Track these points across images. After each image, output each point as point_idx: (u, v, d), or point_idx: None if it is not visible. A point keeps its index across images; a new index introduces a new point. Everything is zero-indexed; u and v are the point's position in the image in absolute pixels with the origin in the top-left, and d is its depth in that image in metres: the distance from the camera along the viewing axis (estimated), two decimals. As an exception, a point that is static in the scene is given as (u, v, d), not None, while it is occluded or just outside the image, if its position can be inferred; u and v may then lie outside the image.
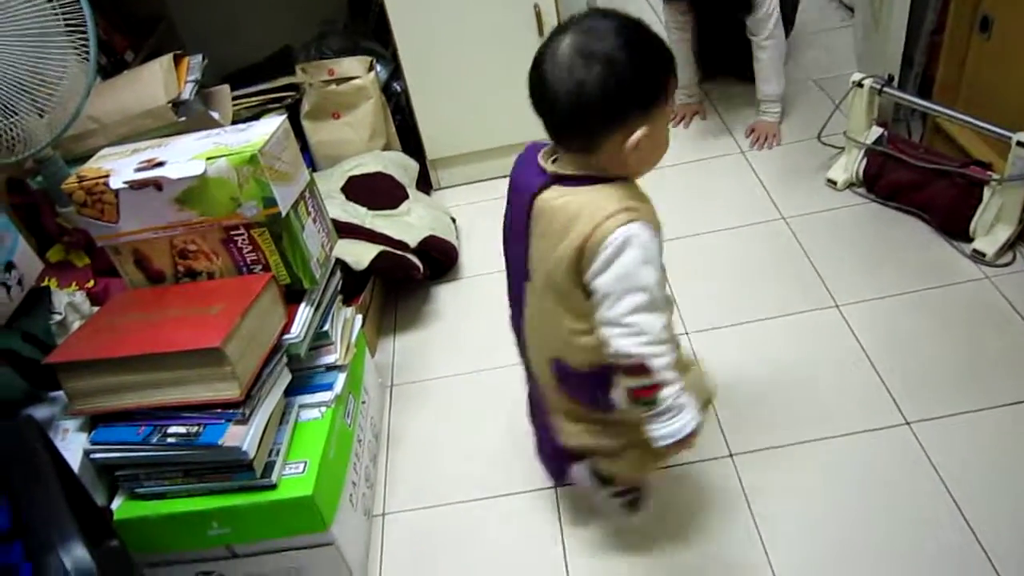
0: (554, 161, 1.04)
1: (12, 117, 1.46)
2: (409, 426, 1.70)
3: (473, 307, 1.97)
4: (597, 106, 0.94)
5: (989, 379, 1.53)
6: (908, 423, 1.48)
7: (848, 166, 2.04)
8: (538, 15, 2.04)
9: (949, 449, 1.42)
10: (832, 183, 2.07)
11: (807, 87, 2.55)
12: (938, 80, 2.00)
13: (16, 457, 0.90)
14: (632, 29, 0.96)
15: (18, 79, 1.45)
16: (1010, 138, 1.65)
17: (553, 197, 1.02)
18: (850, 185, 2.06)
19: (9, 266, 1.30)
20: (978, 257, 1.78)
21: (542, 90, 0.97)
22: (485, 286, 2.02)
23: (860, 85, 1.94)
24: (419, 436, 1.67)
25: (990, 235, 1.78)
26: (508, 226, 1.14)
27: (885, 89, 1.92)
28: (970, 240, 1.81)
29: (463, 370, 1.79)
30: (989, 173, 1.76)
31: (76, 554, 0.79)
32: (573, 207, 0.99)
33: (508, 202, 1.12)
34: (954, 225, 1.83)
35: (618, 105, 0.95)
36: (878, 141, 1.97)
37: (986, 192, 1.76)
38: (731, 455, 1.48)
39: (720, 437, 1.51)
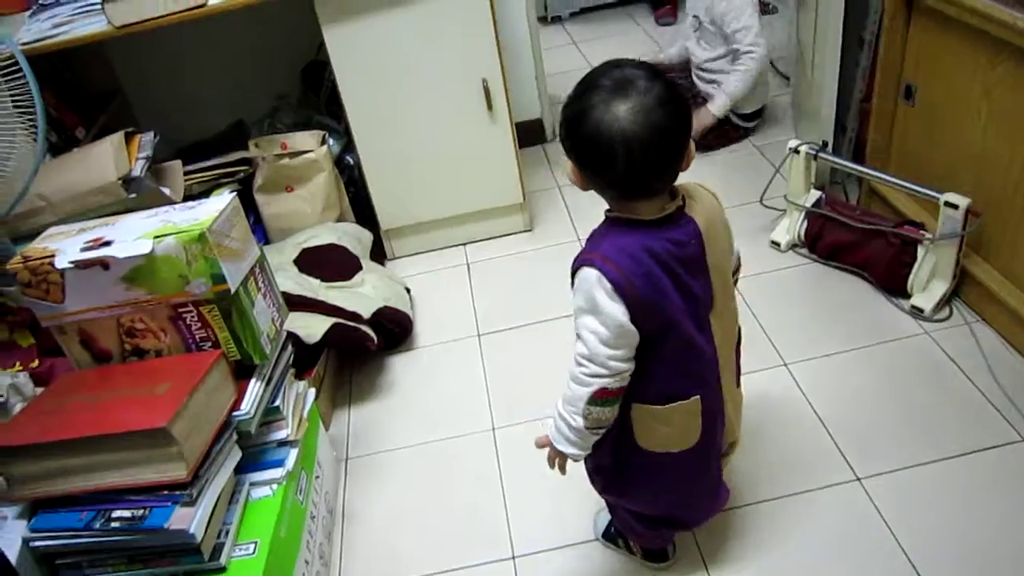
0: (662, 211, 1.07)
1: (-44, 198, 1.45)
2: (365, 500, 1.67)
3: (429, 377, 1.97)
4: (683, 140, 1.02)
5: (933, 432, 1.57)
6: (859, 479, 1.51)
7: (790, 228, 2.11)
8: (486, 89, 2.10)
9: (899, 503, 1.45)
10: (776, 244, 2.14)
11: (750, 152, 2.65)
12: (869, 145, 2.09)
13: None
14: (652, 67, 1.01)
15: (-37, 161, 1.45)
16: (938, 198, 1.73)
17: (702, 219, 1.08)
18: (793, 246, 2.13)
19: (-51, 349, 1.28)
20: (917, 313, 1.84)
21: (636, 153, 0.98)
22: (440, 355, 2.03)
23: (796, 151, 2.02)
24: (375, 510, 1.64)
25: (927, 291, 1.84)
26: (690, 298, 1.09)
27: (820, 154, 2.01)
28: (908, 297, 1.87)
29: (419, 441, 1.78)
30: (922, 232, 1.84)
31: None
32: (707, 205, 1.11)
33: (676, 280, 1.07)
34: (892, 283, 1.89)
35: (688, 131, 1.02)
36: (816, 204, 2.05)
37: (920, 250, 1.84)
38: (687, 518, 1.48)
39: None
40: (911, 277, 1.85)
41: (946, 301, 1.84)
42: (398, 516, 1.62)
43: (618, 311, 1.03)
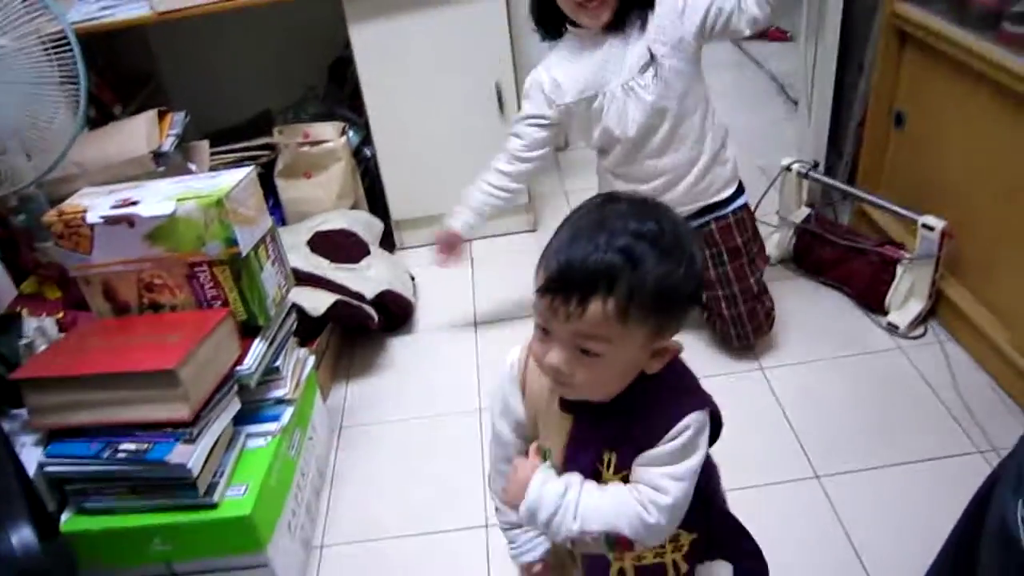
0: None
1: (1, 156, 1.58)
2: (354, 466, 1.78)
3: (424, 360, 2.08)
4: None
5: (894, 439, 1.65)
6: (817, 476, 1.59)
7: (781, 243, 2.21)
8: (499, 91, 2.22)
9: (854, 501, 1.53)
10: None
11: (752, 171, 2.74)
12: (861, 168, 2.19)
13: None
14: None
15: (11, 121, 1.59)
16: (916, 220, 1.82)
17: None
18: (782, 261, 2.22)
19: (-15, 290, 1.41)
20: (892, 329, 1.92)
21: None
22: (437, 341, 2.14)
23: (789, 169, 2.12)
24: (363, 477, 1.75)
25: (903, 309, 1.93)
26: None
27: (810, 173, 2.10)
28: (886, 313, 1.95)
29: (410, 416, 1.89)
30: (901, 252, 1.93)
31: (24, 535, 0.87)
32: None
33: None
34: (871, 299, 1.98)
35: None
36: (806, 220, 2.14)
37: (899, 269, 1.92)
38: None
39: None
40: (889, 295, 1.94)
41: (922, 320, 1.93)
42: (384, 484, 1.73)
43: None
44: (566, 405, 0.90)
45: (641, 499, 0.84)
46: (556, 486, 0.86)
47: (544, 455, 0.92)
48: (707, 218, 1.85)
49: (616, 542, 0.85)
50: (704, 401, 0.88)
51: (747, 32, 1.69)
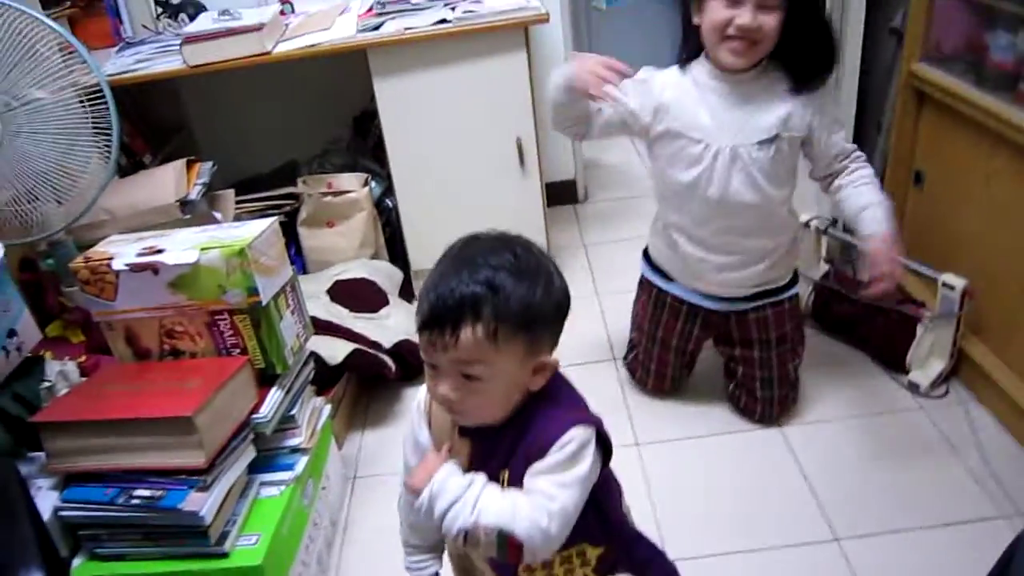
0: None
1: (33, 202, 1.63)
2: (367, 517, 1.77)
3: (441, 408, 2.07)
4: None
5: (915, 501, 1.62)
6: (837, 539, 1.56)
7: (800, 299, 2.19)
8: (519, 147, 2.26)
9: (874, 565, 1.50)
10: (784, 314, 2.21)
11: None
12: (881, 226, 2.18)
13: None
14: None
15: (44, 170, 1.64)
16: (936, 279, 1.81)
17: None
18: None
19: (11, 333, 1.43)
20: (913, 388, 1.90)
21: None
22: (454, 390, 2.13)
23: (807, 225, 2.12)
24: (376, 527, 1.74)
25: (924, 368, 1.90)
26: None
27: (828, 230, 2.10)
28: (906, 372, 1.93)
29: (424, 466, 1.88)
30: (922, 311, 1.91)
31: (34, 582, 0.88)
32: None
33: None
34: (891, 358, 1.96)
35: None
36: (825, 277, 2.13)
37: (919, 328, 1.90)
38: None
39: (657, 538, 1.58)
40: (910, 353, 1.91)
41: (943, 379, 1.90)
42: (396, 534, 1.70)
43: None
44: (463, 432, 1.01)
45: (534, 505, 0.92)
46: (461, 479, 0.94)
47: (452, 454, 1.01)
48: (764, 302, 1.79)
49: (508, 544, 0.92)
50: (587, 418, 0.96)
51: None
